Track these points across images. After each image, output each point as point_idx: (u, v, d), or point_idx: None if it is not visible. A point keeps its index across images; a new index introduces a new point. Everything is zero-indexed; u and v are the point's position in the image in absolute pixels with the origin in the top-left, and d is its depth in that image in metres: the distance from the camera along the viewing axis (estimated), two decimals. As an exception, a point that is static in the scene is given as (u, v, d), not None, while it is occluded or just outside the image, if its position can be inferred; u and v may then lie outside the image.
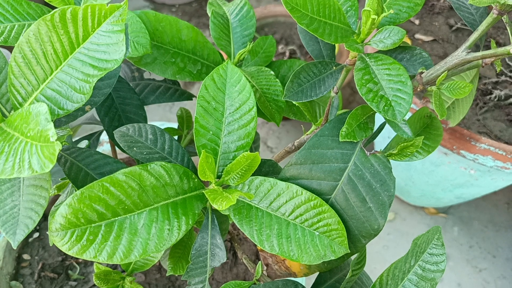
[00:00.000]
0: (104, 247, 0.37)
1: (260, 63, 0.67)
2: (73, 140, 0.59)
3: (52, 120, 0.37)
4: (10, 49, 1.15)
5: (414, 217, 1.29)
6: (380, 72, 0.44)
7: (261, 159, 0.51)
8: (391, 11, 0.43)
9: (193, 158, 0.71)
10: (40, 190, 0.37)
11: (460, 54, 0.46)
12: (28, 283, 0.76)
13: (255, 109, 0.45)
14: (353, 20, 0.49)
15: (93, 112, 0.67)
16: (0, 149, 0.33)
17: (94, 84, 0.36)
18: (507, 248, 1.24)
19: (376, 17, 0.43)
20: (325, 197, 0.44)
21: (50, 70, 0.37)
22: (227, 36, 0.64)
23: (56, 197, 0.73)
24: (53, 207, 0.47)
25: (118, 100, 0.59)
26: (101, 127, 0.64)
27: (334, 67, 0.48)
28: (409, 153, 0.49)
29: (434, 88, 0.47)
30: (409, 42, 1.07)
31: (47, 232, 0.75)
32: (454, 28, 1.08)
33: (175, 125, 0.83)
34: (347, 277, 0.47)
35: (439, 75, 0.47)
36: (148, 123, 0.63)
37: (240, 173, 0.43)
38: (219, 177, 0.45)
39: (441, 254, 0.48)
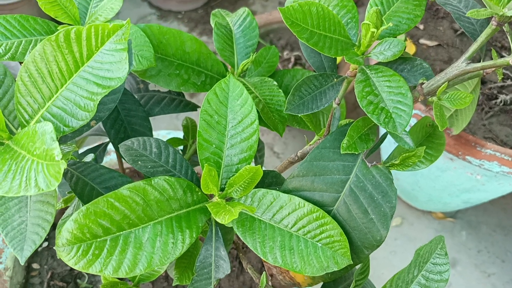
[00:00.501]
0: (109, 261, 0.38)
1: (263, 73, 0.67)
2: (80, 151, 0.60)
3: (57, 137, 0.38)
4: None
5: (422, 221, 1.29)
6: (381, 84, 0.44)
7: (264, 170, 0.52)
8: (390, 24, 0.44)
9: (197, 168, 0.72)
10: (47, 206, 0.37)
11: (460, 65, 0.46)
12: (38, 292, 0.77)
13: (257, 122, 0.46)
14: (353, 32, 0.49)
15: (99, 124, 0.68)
16: (7, 167, 0.34)
17: (98, 102, 0.37)
18: (516, 252, 1.24)
19: (375, 30, 0.44)
20: (327, 209, 0.45)
21: (55, 89, 0.38)
22: (231, 47, 0.65)
23: (65, 208, 0.74)
24: (60, 220, 0.48)
25: (124, 112, 0.59)
26: (108, 138, 0.65)
27: (335, 79, 0.48)
28: (411, 163, 0.49)
29: (435, 99, 0.47)
30: (413, 47, 1.07)
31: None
32: (459, 32, 1.08)
33: (180, 134, 0.84)
34: (350, 287, 0.47)
35: (440, 86, 0.47)
36: (155, 131, 0.64)
37: (243, 186, 0.44)
38: (222, 189, 0.46)
39: (444, 264, 0.48)
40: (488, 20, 0.52)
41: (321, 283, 0.51)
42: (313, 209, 0.44)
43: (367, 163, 0.45)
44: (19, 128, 0.40)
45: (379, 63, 0.48)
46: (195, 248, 0.57)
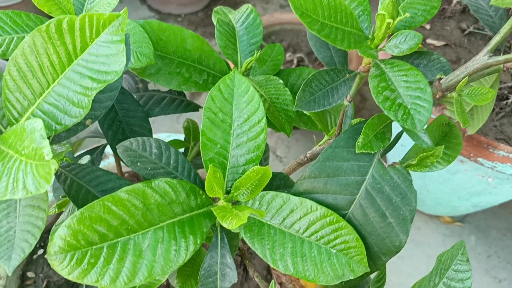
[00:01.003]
0: (106, 271, 0.34)
1: (268, 71, 0.64)
2: (76, 154, 0.57)
3: (49, 136, 0.35)
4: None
5: (429, 226, 1.25)
6: (397, 79, 0.41)
7: (272, 172, 0.49)
8: (407, 14, 0.41)
9: (200, 171, 0.68)
10: (37, 211, 0.34)
11: (481, 58, 0.43)
12: (33, 303, 0.73)
13: (264, 120, 0.43)
14: (365, 25, 0.46)
15: (97, 125, 0.65)
16: (-6, 168, 0.31)
17: (93, 98, 0.34)
18: (527, 258, 1.20)
19: (391, 21, 0.41)
20: (341, 213, 0.41)
21: (46, 84, 0.35)
22: (234, 44, 0.62)
23: (59, 214, 0.71)
24: (54, 226, 0.45)
25: (122, 112, 0.56)
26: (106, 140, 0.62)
27: (347, 75, 0.45)
28: (429, 164, 0.46)
29: (454, 94, 0.44)
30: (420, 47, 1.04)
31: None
32: (466, 32, 1.05)
33: (181, 136, 0.81)
34: (366, 297, 0.44)
35: (459, 81, 0.44)
36: (155, 134, 0.61)
37: (250, 188, 0.41)
38: (228, 192, 0.43)
39: (466, 271, 0.45)
40: (507, 12, 0.49)
41: (334, 292, 0.48)
42: (327, 213, 0.40)
43: (384, 163, 0.42)
44: (8, 127, 0.37)
45: (393, 57, 0.45)
46: (199, 255, 0.54)
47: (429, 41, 1.05)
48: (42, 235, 0.55)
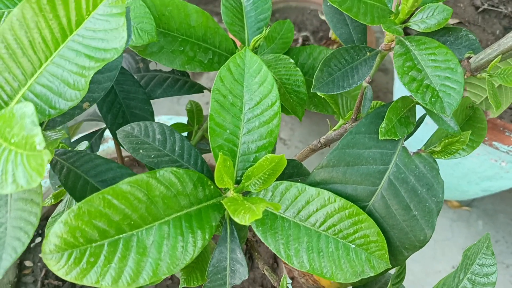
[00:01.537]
0: (107, 270, 0.31)
1: (277, 50, 0.60)
2: (73, 139, 0.54)
3: (42, 122, 0.31)
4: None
5: (436, 210, 1.23)
6: (424, 58, 0.38)
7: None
8: (437, -15, 0.37)
9: (205, 156, 0.65)
10: (30, 205, 0.31)
11: (517, 35, 0.39)
12: (31, 291, 0.71)
13: (278, 103, 0.39)
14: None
15: (95, 108, 0.61)
16: (-20, 158, 0.28)
17: (90, 78, 0.31)
18: (535, 242, 1.18)
19: (420, -8, 0.37)
20: (361, 204, 0.38)
21: (38, 63, 0.31)
22: (241, 21, 0.58)
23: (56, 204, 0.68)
24: (50, 218, 0.42)
25: (122, 94, 0.53)
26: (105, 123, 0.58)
27: (368, 53, 0.41)
28: (454, 150, 0.43)
29: (485, 75, 0.41)
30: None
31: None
32: (480, 9, 1.01)
33: (184, 119, 0.77)
34: (385, 293, 0.41)
35: (491, 60, 0.40)
36: (155, 117, 0.57)
37: (262, 178, 0.38)
38: (237, 182, 0.39)
39: (491, 265, 0.42)
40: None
41: (350, 287, 0.45)
42: (346, 205, 0.37)
43: (409, 151, 0.38)
44: (-3, 111, 0.33)
45: (419, 34, 0.41)
46: (205, 247, 0.51)
47: (441, 19, 1.01)
48: (40, 221, 0.52)
